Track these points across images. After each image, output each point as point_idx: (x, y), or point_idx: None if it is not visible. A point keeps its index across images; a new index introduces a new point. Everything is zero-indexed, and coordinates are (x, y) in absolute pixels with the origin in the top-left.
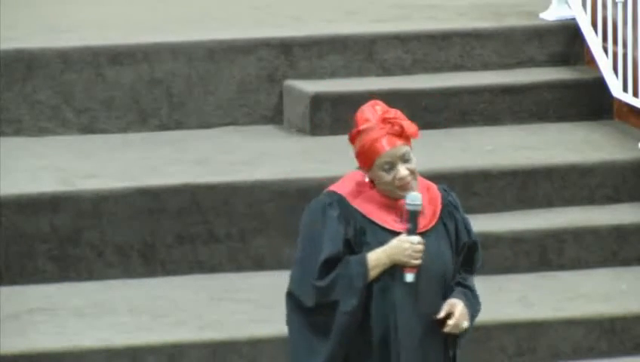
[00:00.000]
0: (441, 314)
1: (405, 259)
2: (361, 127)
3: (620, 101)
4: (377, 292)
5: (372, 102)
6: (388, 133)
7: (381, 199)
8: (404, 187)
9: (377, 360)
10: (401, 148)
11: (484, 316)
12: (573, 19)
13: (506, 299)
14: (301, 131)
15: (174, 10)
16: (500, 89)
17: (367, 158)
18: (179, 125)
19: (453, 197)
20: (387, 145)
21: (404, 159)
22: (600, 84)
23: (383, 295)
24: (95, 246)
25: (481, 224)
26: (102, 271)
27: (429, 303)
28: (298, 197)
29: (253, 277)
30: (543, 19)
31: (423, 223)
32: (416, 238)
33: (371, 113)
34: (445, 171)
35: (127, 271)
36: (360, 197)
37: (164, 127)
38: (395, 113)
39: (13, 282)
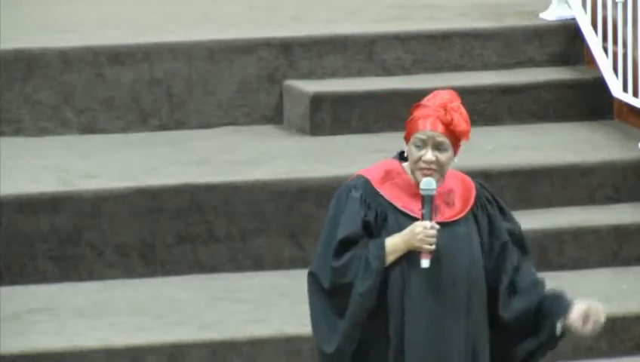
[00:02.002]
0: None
1: (418, 244)
2: (422, 102)
3: (620, 101)
4: (394, 278)
5: (450, 91)
6: (437, 117)
7: (408, 186)
8: (425, 172)
9: (394, 348)
10: (440, 136)
11: None
12: (573, 19)
13: None
14: (301, 131)
15: (174, 10)
16: (499, 89)
17: (409, 130)
18: (179, 125)
19: (490, 192)
20: (429, 126)
21: (438, 147)
22: (600, 84)
23: (399, 282)
24: (95, 246)
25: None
26: (102, 271)
27: (451, 294)
28: (298, 197)
29: (253, 277)
30: (543, 19)
31: (452, 213)
32: (429, 223)
33: (439, 96)
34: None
35: (127, 271)
36: (387, 182)
37: (164, 127)
38: (457, 106)
39: (13, 282)
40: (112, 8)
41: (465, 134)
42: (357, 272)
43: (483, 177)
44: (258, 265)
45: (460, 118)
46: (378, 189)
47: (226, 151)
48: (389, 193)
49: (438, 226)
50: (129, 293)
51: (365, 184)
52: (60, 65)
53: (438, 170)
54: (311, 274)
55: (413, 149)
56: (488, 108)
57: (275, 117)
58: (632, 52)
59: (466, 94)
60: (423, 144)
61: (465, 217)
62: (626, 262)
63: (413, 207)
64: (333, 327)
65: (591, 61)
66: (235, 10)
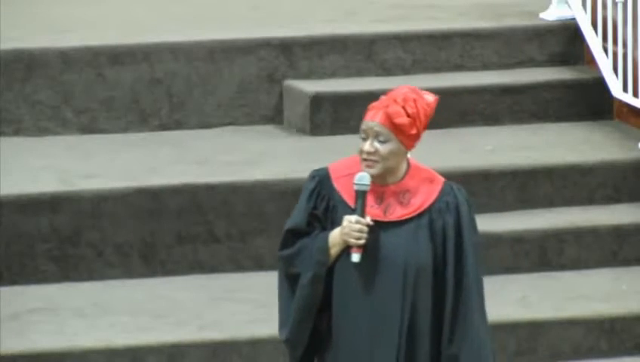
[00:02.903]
0: None
1: (344, 238)
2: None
3: (620, 101)
4: (337, 273)
5: (411, 86)
6: (379, 108)
7: None
8: (367, 163)
9: (333, 345)
10: (379, 126)
11: None
12: (573, 19)
13: (506, 299)
14: (301, 131)
15: (174, 10)
16: (500, 89)
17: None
18: (179, 125)
19: (457, 198)
20: (370, 117)
21: (378, 138)
22: (600, 84)
23: (341, 275)
24: (95, 246)
25: (481, 224)
26: (102, 271)
27: (388, 293)
28: (298, 198)
29: (253, 277)
30: (543, 19)
31: (402, 213)
32: (354, 217)
33: (395, 90)
34: (445, 171)
35: (127, 271)
36: (346, 176)
37: (164, 127)
38: (403, 99)
39: (13, 282)
40: (113, 8)
41: (406, 127)
42: (302, 263)
43: (483, 177)
44: (258, 265)
45: (401, 110)
46: (334, 183)
47: (226, 151)
48: (343, 187)
49: (367, 221)
50: (129, 293)
51: (324, 176)
52: (60, 65)
53: (380, 161)
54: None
55: (360, 142)
56: (488, 108)
57: (275, 117)
58: (632, 52)
59: (466, 94)
60: (365, 136)
61: (417, 217)
62: (626, 262)
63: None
64: (288, 314)
65: (591, 61)
66: (235, 10)
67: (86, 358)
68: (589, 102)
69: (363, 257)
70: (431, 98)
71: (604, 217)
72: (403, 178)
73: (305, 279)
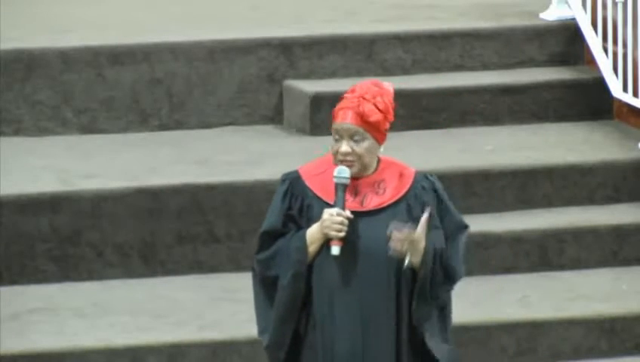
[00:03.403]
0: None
1: (325, 231)
2: (344, 95)
3: (620, 101)
4: (317, 269)
5: (374, 80)
6: (350, 108)
7: None
8: (344, 164)
9: (321, 338)
10: (353, 127)
11: (484, 316)
12: (573, 19)
13: (506, 299)
14: (301, 131)
15: (174, 10)
16: (500, 89)
17: (331, 123)
18: (179, 125)
19: (432, 183)
20: (342, 118)
21: (353, 138)
22: (600, 84)
23: (321, 271)
24: (95, 246)
25: (481, 224)
26: (102, 271)
27: (372, 285)
28: None
29: None
30: (543, 19)
31: (378, 201)
32: (335, 210)
33: (359, 87)
34: (445, 171)
35: (127, 271)
36: (318, 175)
37: (164, 127)
38: (372, 96)
39: (13, 282)
40: (112, 8)
41: (380, 123)
42: (281, 264)
43: (483, 177)
44: None
45: (373, 107)
46: (306, 182)
47: (226, 151)
48: (316, 185)
49: (347, 214)
50: (129, 293)
51: (295, 178)
52: (60, 66)
53: (357, 160)
54: (252, 269)
55: (333, 142)
56: (488, 108)
57: (275, 117)
58: (632, 52)
59: (466, 94)
60: (339, 137)
61: (393, 205)
62: (626, 262)
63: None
64: (268, 319)
65: (591, 61)
66: (235, 10)
67: (86, 358)
68: (589, 102)
69: (343, 250)
70: (390, 87)
71: (604, 217)
72: (376, 170)
73: (285, 280)
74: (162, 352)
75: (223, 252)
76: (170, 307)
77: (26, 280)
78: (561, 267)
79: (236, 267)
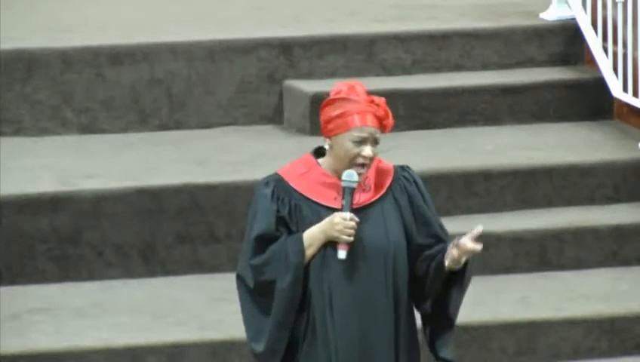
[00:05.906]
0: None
1: (336, 234)
2: (347, 96)
3: (620, 101)
4: (314, 270)
5: (354, 81)
6: (371, 113)
7: (322, 178)
8: (362, 166)
9: (321, 337)
10: (377, 131)
11: (485, 316)
12: (573, 19)
13: (506, 299)
14: (301, 131)
15: (174, 10)
16: (500, 89)
17: (343, 125)
18: (179, 125)
19: (410, 173)
20: (370, 122)
21: (374, 143)
22: (600, 84)
23: (319, 273)
24: (95, 246)
25: (481, 224)
26: (102, 271)
27: (371, 281)
28: None
29: None
30: (543, 19)
31: (366, 197)
32: (348, 214)
33: (355, 90)
34: (445, 171)
35: (127, 271)
36: (301, 176)
37: (164, 127)
38: (377, 98)
39: (13, 282)
40: (112, 8)
41: (390, 127)
42: (277, 269)
43: (483, 177)
44: None
45: (386, 112)
46: (291, 184)
47: (226, 151)
48: (302, 186)
49: (357, 219)
50: (129, 293)
51: (278, 180)
52: (60, 65)
53: (370, 163)
54: (238, 277)
55: (350, 145)
56: (488, 108)
57: (275, 117)
58: (632, 52)
59: (465, 94)
60: (362, 141)
61: (381, 199)
62: (626, 262)
63: (329, 197)
64: (262, 326)
65: (591, 61)
66: (235, 10)
67: (86, 358)
68: (589, 102)
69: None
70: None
71: (604, 217)
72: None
73: (284, 283)
74: (162, 352)
75: (223, 252)
76: (170, 307)
77: (26, 280)
78: (561, 267)
79: (236, 267)
